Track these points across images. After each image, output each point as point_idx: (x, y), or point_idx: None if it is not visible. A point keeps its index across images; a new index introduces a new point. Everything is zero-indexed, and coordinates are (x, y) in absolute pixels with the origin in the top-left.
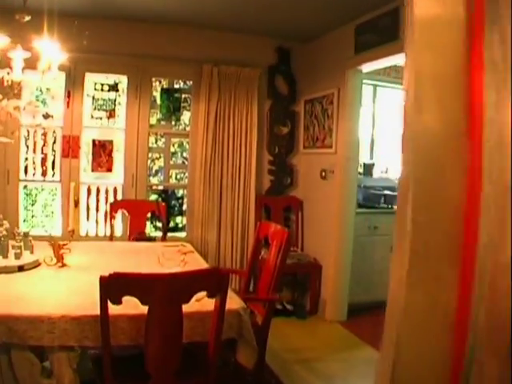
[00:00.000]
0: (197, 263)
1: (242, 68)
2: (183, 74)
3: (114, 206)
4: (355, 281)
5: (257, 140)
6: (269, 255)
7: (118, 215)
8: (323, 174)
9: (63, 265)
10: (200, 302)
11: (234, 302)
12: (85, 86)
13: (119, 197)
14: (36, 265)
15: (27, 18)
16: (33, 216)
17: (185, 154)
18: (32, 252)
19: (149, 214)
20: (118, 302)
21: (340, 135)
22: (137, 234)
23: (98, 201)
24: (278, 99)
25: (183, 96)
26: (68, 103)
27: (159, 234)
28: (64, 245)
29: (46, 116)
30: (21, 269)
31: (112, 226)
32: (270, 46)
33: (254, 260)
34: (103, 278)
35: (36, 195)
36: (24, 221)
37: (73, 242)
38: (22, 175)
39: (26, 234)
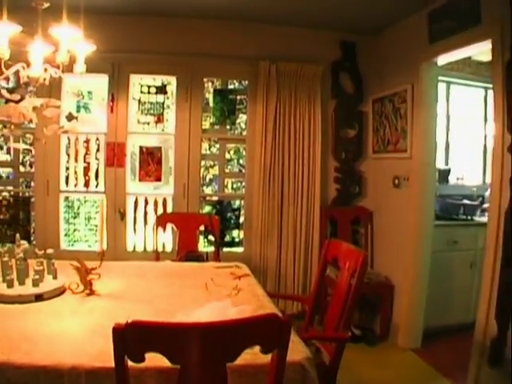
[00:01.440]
0: (252, 292)
1: (302, 65)
2: (238, 72)
3: (161, 220)
4: (431, 302)
5: (321, 144)
6: (340, 281)
7: (168, 229)
8: (396, 181)
9: (91, 292)
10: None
11: (296, 349)
12: (130, 89)
13: (169, 209)
14: (58, 293)
15: (46, 5)
16: (75, 230)
17: (241, 161)
18: (55, 277)
19: (201, 227)
20: (139, 359)
21: (415, 137)
22: (186, 253)
23: (146, 213)
24: (344, 99)
25: (238, 97)
26: (112, 108)
27: (212, 248)
28: (92, 269)
29: (70, 118)
30: (39, 298)
31: (157, 242)
32: (333, 40)
33: (321, 286)
34: (117, 328)
35: (78, 207)
36: (65, 235)
37: (109, 262)
38: (62, 186)
39: (48, 256)
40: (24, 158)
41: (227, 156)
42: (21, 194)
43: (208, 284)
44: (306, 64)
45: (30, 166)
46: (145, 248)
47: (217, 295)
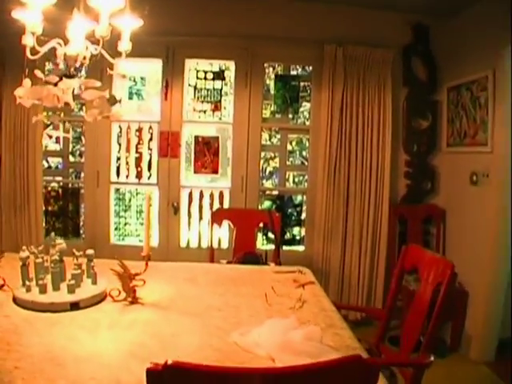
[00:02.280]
0: (318, 305)
1: (371, 49)
2: (301, 57)
3: (217, 216)
4: (507, 311)
5: (391, 136)
6: (420, 294)
7: (225, 224)
8: (474, 177)
9: (134, 301)
10: None
11: None
12: (185, 75)
13: (226, 203)
14: (97, 300)
15: None
16: (126, 224)
17: (304, 153)
18: (95, 281)
19: (261, 225)
20: None
21: (497, 129)
22: (243, 254)
23: (201, 207)
24: (416, 86)
25: (302, 84)
26: (166, 95)
27: (272, 246)
28: (136, 274)
29: (113, 101)
30: (74, 306)
31: (212, 240)
32: (404, 23)
33: (395, 298)
34: (153, 370)
35: (130, 200)
36: (115, 229)
37: (157, 263)
38: (113, 177)
39: (89, 257)
40: (74, 147)
41: (289, 147)
42: (70, 185)
43: (268, 294)
44: (376, 48)
45: (80, 155)
46: (199, 244)
47: (278, 308)
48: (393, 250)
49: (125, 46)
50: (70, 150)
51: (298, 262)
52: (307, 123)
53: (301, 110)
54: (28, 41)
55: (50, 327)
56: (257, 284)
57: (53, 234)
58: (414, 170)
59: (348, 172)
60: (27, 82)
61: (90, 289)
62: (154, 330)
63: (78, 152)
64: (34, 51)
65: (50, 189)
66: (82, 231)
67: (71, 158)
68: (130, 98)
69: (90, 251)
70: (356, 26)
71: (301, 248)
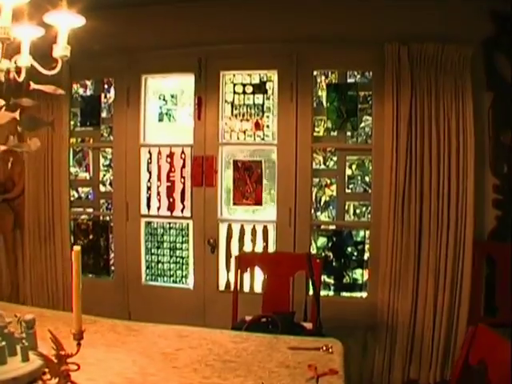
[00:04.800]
0: None
1: (442, 46)
2: (358, 61)
3: (242, 262)
4: None
5: (474, 154)
6: None
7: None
8: None
9: None
10: None
11: None
12: (221, 90)
13: (271, 240)
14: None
15: None
16: (158, 262)
17: (367, 179)
18: (26, 358)
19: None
20: None
21: None
22: (258, 317)
23: (242, 245)
24: (503, 90)
25: (361, 94)
26: (199, 114)
27: (327, 292)
28: (68, 356)
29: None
30: None
31: (237, 288)
32: (483, 11)
33: None
34: None
35: (162, 235)
36: (147, 267)
37: (144, 326)
38: (143, 209)
39: (28, 324)
40: (104, 175)
41: (348, 172)
42: (101, 218)
43: None
44: (448, 44)
45: (111, 185)
46: (241, 287)
47: None
48: (478, 302)
49: (60, 51)
50: (101, 178)
51: (360, 312)
52: (369, 142)
53: (361, 125)
54: None
55: None
56: (256, 370)
57: None
58: (506, 197)
59: (421, 201)
60: None
61: (13, 368)
62: None
63: (108, 181)
64: None
65: (79, 221)
66: (113, 269)
67: (102, 188)
68: (160, 119)
69: (28, 316)
70: (422, 18)
71: (363, 294)
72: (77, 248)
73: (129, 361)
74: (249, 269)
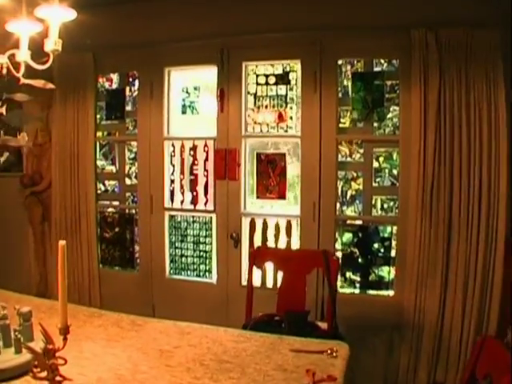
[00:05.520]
0: None
1: (472, 30)
2: (384, 48)
3: (257, 256)
4: None
5: (507, 145)
6: None
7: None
8: None
9: (56, 382)
10: None
11: None
12: (243, 81)
13: (294, 235)
14: (10, 376)
15: None
16: (182, 256)
17: (395, 172)
18: (19, 350)
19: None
20: None
21: None
22: (263, 316)
23: (265, 239)
24: None
25: (388, 83)
26: (222, 106)
27: (353, 290)
28: (55, 350)
29: None
30: None
31: (251, 283)
32: None
33: None
34: None
35: (186, 228)
36: (171, 261)
37: (148, 321)
38: (167, 202)
39: (24, 317)
40: (130, 168)
41: (375, 164)
42: (127, 211)
43: None
44: (479, 29)
45: (136, 178)
46: (263, 282)
47: None
48: (509, 303)
49: (51, 44)
50: (126, 171)
51: (386, 311)
52: (397, 133)
53: (389, 115)
54: None
55: None
56: (251, 372)
57: None
58: None
59: (450, 196)
60: None
61: (5, 359)
62: None
63: (133, 174)
64: None
65: (106, 214)
66: (137, 262)
67: (127, 181)
68: (184, 111)
69: (25, 309)
70: (450, 2)
71: (390, 293)
72: (62, 243)
73: (124, 357)
74: (271, 264)
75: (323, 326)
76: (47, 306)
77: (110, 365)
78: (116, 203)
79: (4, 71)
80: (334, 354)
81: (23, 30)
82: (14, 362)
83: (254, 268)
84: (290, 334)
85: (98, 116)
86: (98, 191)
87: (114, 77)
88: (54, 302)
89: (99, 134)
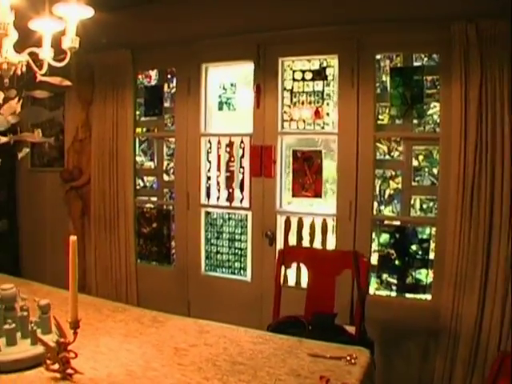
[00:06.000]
0: None
1: None
2: (423, 42)
3: (285, 256)
4: None
5: None
6: None
7: None
8: None
9: (64, 375)
10: None
11: None
12: (279, 77)
13: (330, 234)
14: (25, 366)
15: None
16: (217, 252)
17: (435, 171)
18: (35, 341)
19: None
20: None
21: None
22: (287, 317)
23: (301, 238)
24: None
25: (429, 78)
26: (258, 102)
27: (389, 293)
28: (67, 343)
29: None
30: None
31: (280, 283)
32: None
33: None
34: None
35: (221, 226)
36: (206, 258)
37: (169, 318)
38: (203, 199)
39: (42, 309)
40: (168, 164)
41: (415, 163)
42: (164, 207)
43: None
44: None
45: (174, 174)
46: (297, 281)
47: None
48: None
49: (68, 42)
50: (164, 167)
51: (422, 316)
52: (438, 130)
53: (429, 112)
54: None
55: None
56: (263, 376)
57: None
58: None
59: (491, 197)
60: None
61: (21, 350)
62: None
63: (171, 170)
64: None
65: (144, 210)
66: (173, 258)
67: (165, 177)
68: (220, 108)
69: (44, 301)
70: None
71: (427, 297)
72: (73, 238)
73: (139, 353)
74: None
75: (351, 329)
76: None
77: (123, 360)
78: (154, 199)
79: (23, 69)
80: (353, 361)
81: (46, 28)
82: (30, 353)
83: (288, 267)
84: (315, 336)
85: (138, 112)
86: (137, 187)
87: (153, 73)
88: (81, 296)
89: (138, 130)
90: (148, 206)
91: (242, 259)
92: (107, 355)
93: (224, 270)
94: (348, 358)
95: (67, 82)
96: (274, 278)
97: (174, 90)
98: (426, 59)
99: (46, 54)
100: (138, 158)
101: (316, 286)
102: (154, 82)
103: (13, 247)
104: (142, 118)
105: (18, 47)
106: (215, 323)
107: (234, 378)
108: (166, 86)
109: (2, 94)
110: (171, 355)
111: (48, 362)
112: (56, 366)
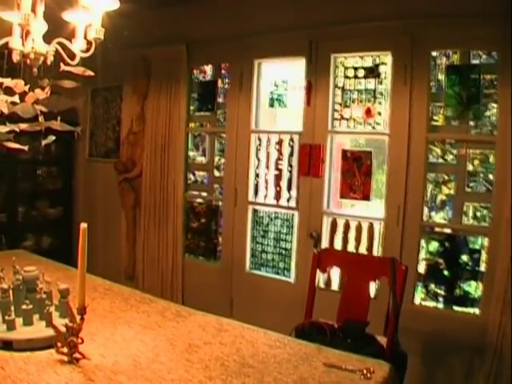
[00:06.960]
0: None
1: None
2: (481, 39)
3: (321, 259)
4: None
5: None
6: None
7: None
8: None
9: (71, 359)
10: None
11: None
12: (331, 74)
13: (376, 238)
14: (38, 346)
15: None
16: (262, 251)
17: (491, 177)
18: (50, 323)
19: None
20: None
21: None
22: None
23: (346, 240)
24: None
25: (487, 77)
26: (309, 99)
27: (435, 304)
28: (73, 329)
29: None
30: (7, 345)
31: (314, 286)
32: None
33: None
34: None
35: (268, 224)
36: (252, 256)
37: (193, 313)
38: (251, 196)
39: (62, 293)
40: (219, 160)
41: (469, 167)
42: (213, 202)
43: None
44: None
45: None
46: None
47: None
48: None
49: (93, 33)
50: (215, 163)
51: (469, 331)
52: (495, 133)
53: (487, 113)
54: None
55: None
56: (268, 382)
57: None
58: None
59: None
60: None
61: (35, 330)
62: None
63: (222, 166)
64: None
65: (194, 204)
66: (219, 254)
67: (216, 173)
68: (271, 104)
69: (63, 286)
70: None
71: (475, 311)
72: (83, 225)
73: (151, 345)
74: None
75: (383, 340)
76: (107, 286)
77: (133, 351)
78: (204, 194)
79: (51, 58)
80: (369, 375)
81: (80, 19)
82: (43, 334)
83: (323, 271)
84: (344, 344)
85: (192, 107)
86: (188, 181)
87: (208, 68)
88: (112, 284)
89: (192, 124)
90: (198, 200)
91: (287, 259)
92: (119, 344)
93: (268, 269)
94: (364, 371)
95: (90, 72)
96: (309, 282)
97: (227, 86)
98: (484, 57)
99: (79, 45)
100: (190, 153)
101: (350, 291)
102: (208, 78)
103: (66, 235)
104: (196, 113)
105: (49, 38)
106: (236, 322)
107: (238, 381)
108: (219, 81)
109: (23, 82)
110: (182, 351)
111: (58, 344)
112: (65, 350)
